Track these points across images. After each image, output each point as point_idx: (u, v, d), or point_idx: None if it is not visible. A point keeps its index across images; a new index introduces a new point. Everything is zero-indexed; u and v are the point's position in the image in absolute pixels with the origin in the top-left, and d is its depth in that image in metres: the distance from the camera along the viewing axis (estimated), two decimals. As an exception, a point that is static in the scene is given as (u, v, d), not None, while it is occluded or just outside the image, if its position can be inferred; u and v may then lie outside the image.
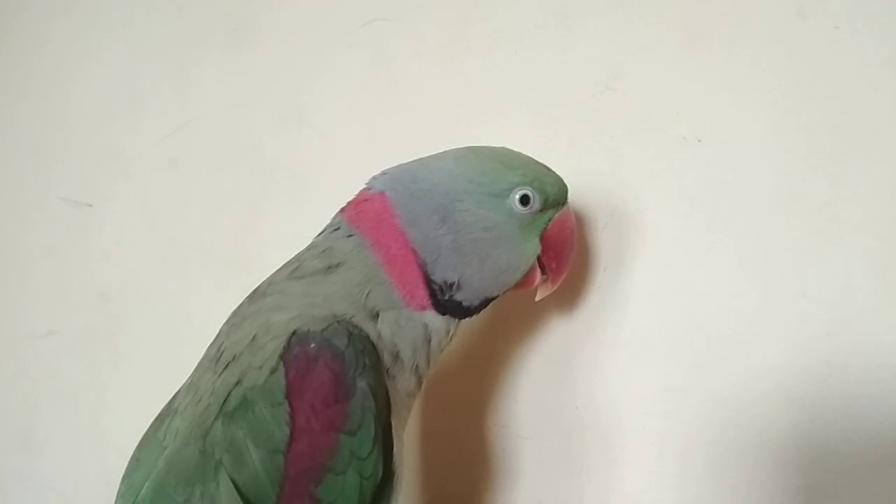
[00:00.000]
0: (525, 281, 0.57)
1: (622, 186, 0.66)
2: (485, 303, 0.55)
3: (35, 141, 1.07)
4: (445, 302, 0.53)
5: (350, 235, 0.53)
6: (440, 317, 0.53)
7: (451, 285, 0.52)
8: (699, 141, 0.63)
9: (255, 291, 0.54)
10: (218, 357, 0.50)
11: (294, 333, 0.47)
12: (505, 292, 0.56)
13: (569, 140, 0.69)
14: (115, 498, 0.51)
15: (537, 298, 0.60)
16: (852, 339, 0.57)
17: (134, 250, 0.97)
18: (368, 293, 0.51)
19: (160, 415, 0.55)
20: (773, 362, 0.60)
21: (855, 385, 0.57)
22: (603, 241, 0.67)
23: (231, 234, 0.89)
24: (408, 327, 0.52)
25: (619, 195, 0.66)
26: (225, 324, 0.54)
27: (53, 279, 1.04)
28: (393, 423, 0.50)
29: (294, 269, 0.53)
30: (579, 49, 0.69)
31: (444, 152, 0.56)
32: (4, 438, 1.05)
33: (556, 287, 0.59)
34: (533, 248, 0.55)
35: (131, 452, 0.53)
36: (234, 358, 0.49)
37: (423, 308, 0.53)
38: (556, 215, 0.56)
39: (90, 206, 1.01)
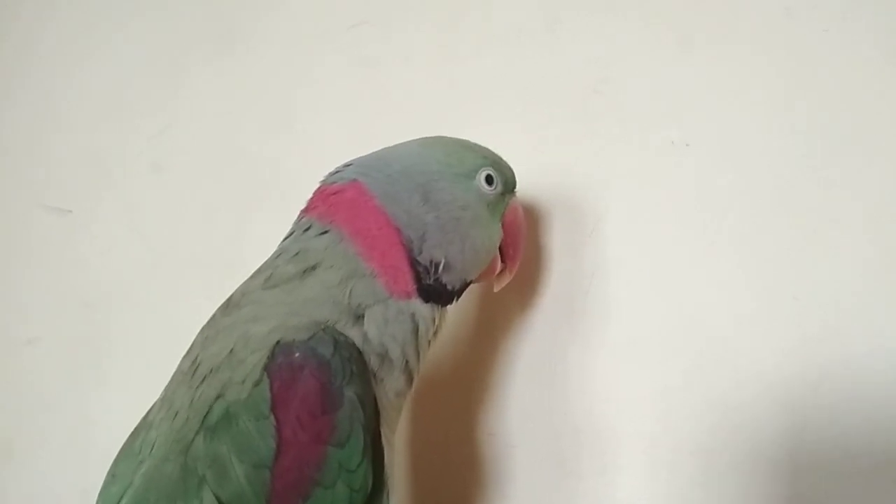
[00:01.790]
0: (489, 270, 0.57)
1: (610, 190, 0.66)
2: (463, 287, 0.55)
3: (15, 145, 1.06)
4: (429, 287, 0.52)
5: (324, 232, 0.51)
6: (425, 305, 0.52)
7: (437, 265, 0.52)
8: (687, 145, 0.63)
9: (227, 302, 0.52)
10: (194, 370, 0.49)
11: (278, 344, 0.46)
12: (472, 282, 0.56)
13: (557, 144, 0.68)
14: None
15: (496, 289, 0.60)
16: (846, 344, 0.57)
17: (118, 257, 0.95)
18: (350, 290, 0.49)
19: (136, 427, 0.53)
20: (765, 366, 0.59)
21: (847, 390, 0.57)
22: (591, 246, 0.66)
23: (217, 240, 0.88)
24: (395, 321, 0.50)
25: (607, 199, 0.66)
26: (199, 335, 0.52)
27: (35, 287, 1.02)
28: (383, 430, 0.49)
29: (268, 278, 0.51)
30: (568, 52, 0.69)
31: (403, 142, 0.57)
32: (-17, 448, 1.03)
33: (513, 274, 0.60)
34: (498, 231, 0.56)
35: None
36: (211, 371, 0.47)
37: (409, 295, 0.51)
38: (511, 201, 0.58)
39: (70, 211, 0.99)
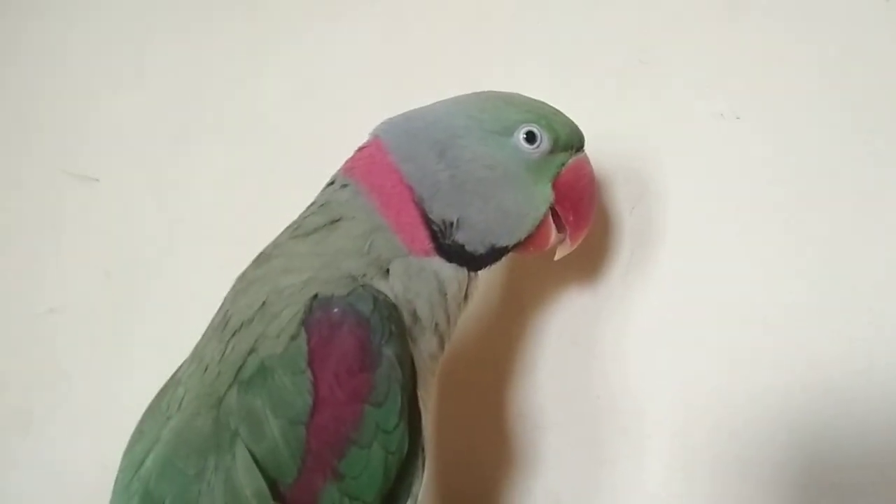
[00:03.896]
0: (538, 239, 0.53)
1: (653, 166, 0.64)
2: (493, 252, 0.51)
3: (40, 114, 1.06)
4: (449, 246, 0.50)
5: (345, 185, 0.51)
6: (449, 265, 0.50)
7: (451, 224, 0.49)
8: (737, 118, 0.61)
9: (260, 255, 0.51)
10: (224, 324, 0.48)
11: (315, 298, 0.45)
12: (518, 247, 0.52)
13: (596, 116, 0.65)
14: (116, 473, 0.49)
15: (556, 258, 0.56)
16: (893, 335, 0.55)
17: (139, 227, 0.95)
18: (371, 243, 0.48)
19: (164, 387, 0.52)
20: (810, 355, 0.57)
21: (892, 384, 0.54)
22: (631, 223, 0.64)
23: (240, 210, 0.87)
24: (419, 277, 0.49)
25: (649, 175, 0.64)
26: (230, 290, 0.51)
27: (56, 256, 1.02)
28: (419, 393, 0.48)
29: (296, 228, 0.50)
30: (609, 18, 0.67)
31: (448, 98, 0.54)
32: (2, 419, 1.02)
33: (576, 244, 0.55)
34: (544, 194, 0.51)
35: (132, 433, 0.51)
36: (242, 325, 0.46)
37: (427, 253, 0.50)
38: (571, 161, 0.53)
39: (97, 180, 0.98)
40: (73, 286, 0.99)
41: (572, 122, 0.54)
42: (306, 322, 0.44)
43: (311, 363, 0.43)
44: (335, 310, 0.44)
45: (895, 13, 0.57)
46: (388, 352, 0.44)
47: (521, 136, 0.50)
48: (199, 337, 0.52)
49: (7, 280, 1.05)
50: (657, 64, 0.65)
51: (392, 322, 0.45)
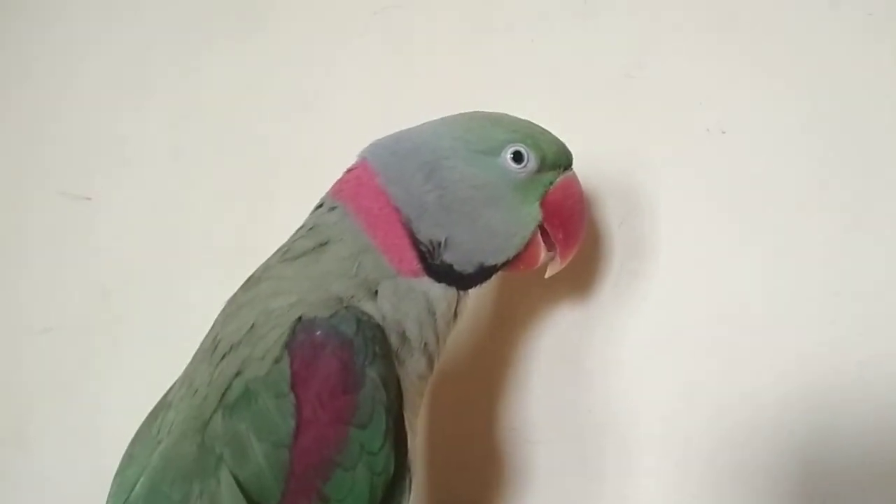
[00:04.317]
0: (528, 256, 0.53)
1: (642, 179, 0.64)
2: (482, 271, 0.51)
3: (32, 131, 1.06)
4: (437, 266, 0.50)
5: (333, 208, 0.51)
6: (438, 285, 0.50)
7: (439, 244, 0.49)
8: (723, 133, 0.61)
9: (249, 278, 0.52)
10: (214, 348, 0.48)
11: (299, 320, 0.45)
12: (507, 266, 0.52)
13: (587, 130, 0.65)
14: (107, 496, 0.49)
15: (547, 275, 0.56)
16: (887, 340, 0.55)
17: (135, 244, 0.95)
18: (359, 264, 0.49)
19: (154, 409, 0.52)
20: (801, 363, 0.57)
21: (887, 388, 0.55)
22: (621, 236, 0.65)
23: (236, 226, 0.87)
24: (407, 298, 0.49)
25: (638, 188, 0.64)
26: (220, 313, 0.51)
27: (51, 274, 1.01)
28: (405, 414, 0.47)
29: (285, 252, 0.51)
30: (600, 35, 0.67)
31: (433, 120, 0.54)
32: (-2, 436, 1.02)
33: (566, 262, 0.55)
34: (532, 213, 0.51)
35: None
36: (231, 348, 0.46)
37: (416, 273, 0.50)
38: (559, 179, 0.53)
39: (89, 199, 0.98)
40: (68, 305, 0.99)
41: (560, 142, 0.54)
42: (289, 344, 0.44)
43: (293, 386, 0.43)
44: (318, 332, 0.44)
45: (882, 29, 0.57)
46: (372, 373, 0.44)
47: (508, 155, 0.50)
48: (193, 353, 0.52)
49: (2, 298, 1.05)
50: (645, 79, 0.65)
51: (376, 343, 0.45)
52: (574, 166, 0.55)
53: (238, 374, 0.44)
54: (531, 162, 0.51)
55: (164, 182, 0.93)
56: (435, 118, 0.55)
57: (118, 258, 0.96)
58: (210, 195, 0.90)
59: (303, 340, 0.44)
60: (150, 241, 0.94)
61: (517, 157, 0.50)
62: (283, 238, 0.53)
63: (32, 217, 1.04)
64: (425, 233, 0.49)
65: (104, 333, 0.95)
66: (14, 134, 1.07)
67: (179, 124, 0.93)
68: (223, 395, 0.44)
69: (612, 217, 0.65)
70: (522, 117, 0.54)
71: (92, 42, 1.02)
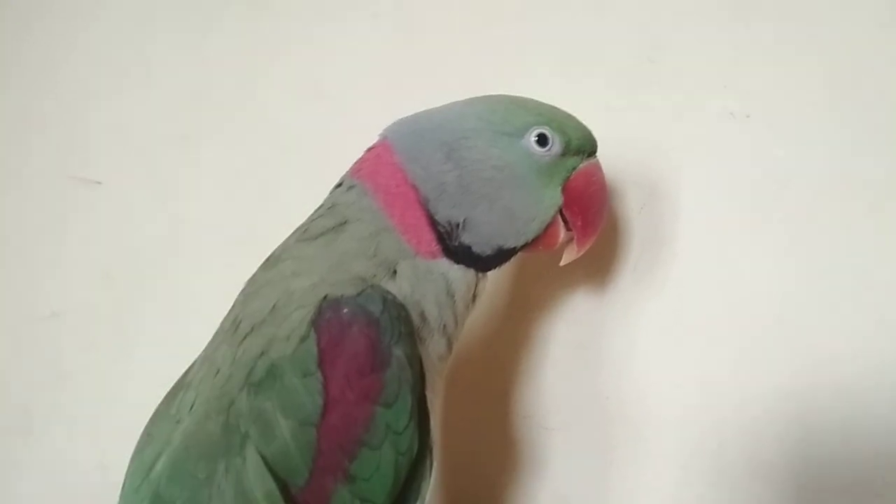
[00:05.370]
0: (547, 238, 0.52)
1: (663, 164, 0.63)
2: (501, 254, 0.51)
3: (42, 117, 1.05)
4: (456, 248, 0.49)
5: (352, 187, 0.51)
6: (456, 266, 0.50)
7: (457, 226, 0.49)
8: (748, 116, 0.61)
9: (269, 258, 0.51)
10: (235, 328, 0.48)
11: (325, 299, 0.44)
12: (525, 248, 0.52)
13: (606, 114, 0.64)
14: (123, 476, 0.48)
15: (562, 263, 0.55)
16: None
17: (142, 229, 0.94)
18: (378, 244, 0.48)
19: (173, 389, 0.52)
20: (823, 355, 0.57)
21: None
22: (640, 221, 0.64)
23: (243, 212, 0.86)
24: (426, 279, 0.49)
25: (659, 173, 0.63)
26: (240, 293, 0.51)
27: (58, 259, 1.01)
28: (427, 394, 0.47)
29: (304, 231, 0.50)
30: (619, 16, 0.67)
31: (458, 101, 0.53)
32: (3, 421, 1.02)
33: (583, 250, 0.54)
34: (553, 197, 0.51)
35: (133, 439, 0.51)
36: (252, 328, 0.46)
37: (434, 255, 0.49)
38: (583, 165, 0.53)
39: (99, 183, 0.98)
40: (75, 289, 0.98)
41: (585, 128, 0.53)
42: (316, 323, 0.43)
43: (321, 364, 0.42)
44: (345, 310, 0.44)
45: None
46: (398, 352, 0.44)
47: (533, 138, 0.50)
48: (200, 339, 0.52)
49: (9, 283, 1.05)
50: (666, 63, 0.64)
51: (402, 322, 0.45)
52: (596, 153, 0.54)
53: (263, 353, 0.44)
54: (555, 146, 0.50)
55: (172, 167, 0.93)
56: (448, 101, 0.54)
57: (125, 244, 0.95)
58: (217, 181, 0.89)
59: (330, 318, 0.44)
60: (157, 226, 0.93)
61: (541, 139, 0.50)
62: (290, 224, 0.52)
63: (40, 201, 1.03)
64: (443, 213, 0.49)
65: (110, 319, 0.95)
66: (21, 118, 1.07)
67: (188, 110, 0.92)
68: (248, 374, 0.43)
69: (632, 203, 0.64)
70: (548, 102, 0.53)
71: (101, 26, 1.01)
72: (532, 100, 0.53)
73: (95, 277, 0.96)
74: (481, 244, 0.50)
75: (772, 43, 0.60)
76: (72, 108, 1.02)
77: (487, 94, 0.54)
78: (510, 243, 0.51)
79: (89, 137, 1.00)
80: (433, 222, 0.49)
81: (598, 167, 0.54)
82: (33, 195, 1.04)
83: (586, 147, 0.53)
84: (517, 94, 0.54)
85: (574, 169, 0.52)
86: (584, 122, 0.54)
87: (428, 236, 0.49)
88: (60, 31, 1.06)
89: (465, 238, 0.49)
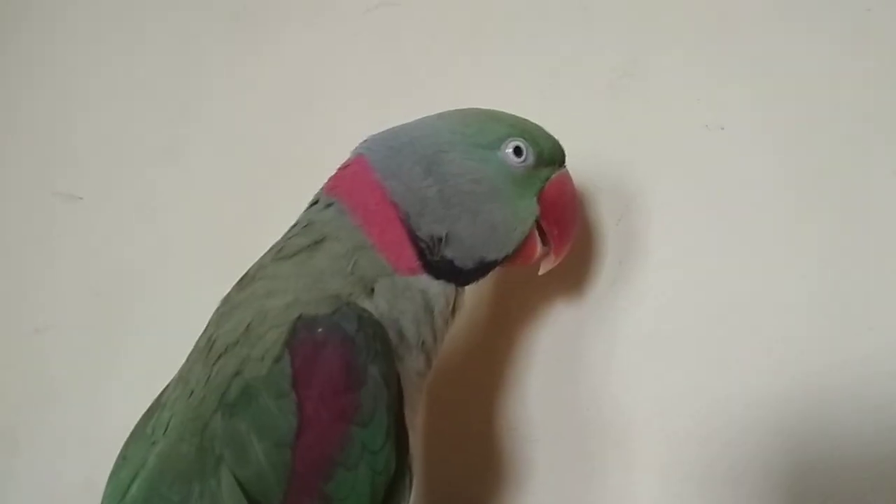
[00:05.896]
0: (525, 252, 0.53)
1: (640, 176, 0.64)
2: (482, 267, 0.51)
3: (27, 132, 1.05)
4: (437, 263, 0.49)
5: (329, 205, 0.50)
6: (436, 282, 0.50)
7: (440, 240, 0.49)
8: (722, 129, 0.61)
9: (244, 277, 0.51)
10: (209, 348, 0.47)
11: (299, 318, 0.44)
12: (505, 262, 0.52)
13: (586, 128, 0.66)
14: (101, 498, 0.48)
15: (541, 272, 0.56)
16: (882, 337, 0.54)
17: (129, 244, 0.94)
18: (355, 262, 0.48)
19: (148, 410, 0.52)
20: (802, 362, 0.57)
21: (884, 386, 0.54)
22: (618, 233, 0.64)
23: (230, 226, 0.86)
24: (404, 296, 0.49)
25: (636, 185, 0.64)
26: (214, 313, 0.51)
27: (44, 275, 1.01)
28: (406, 412, 0.47)
29: (280, 250, 0.50)
30: (597, 32, 0.67)
31: (430, 115, 0.54)
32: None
33: (560, 258, 0.55)
34: (530, 208, 0.52)
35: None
36: (226, 348, 0.46)
37: (414, 271, 0.49)
38: (555, 176, 0.53)
39: (81, 198, 0.98)
40: (60, 305, 0.98)
41: (554, 138, 0.54)
42: (290, 343, 0.43)
43: (295, 385, 0.42)
44: (319, 329, 0.44)
45: (880, 24, 0.57)
46: (374, 371, 0.43)
47: (508, 150, 0.50)
48: (186, 356, 0.51)
49: (-5, 299, 1.05)
50: (643, 77, 0.65)
51: (378, 340, 0.45)
52: (572, 164, 0.55)
53: (237, 374, 0.44)
54: (529, 157, 0.51)
55: (158, 182, 0.93)
56: (430, 113, 0.54)
57: (111, 259, 0.95)
58: (204, 195, 0.89)
59: (304, 338, 0.43)
60: (144, 241, 0.93)
61: (517, 151, 0.51)
62: (274, 235, 0.52)
63: (25, 217, 1.03)
64: (426, 228, 0.49)
65: (96, 335, 0.95)
66: (6, 134, 1.07)
67: (173, 124, 0.92)
68: (222, 395, 0.43)
69: (610, 215, 0.64)
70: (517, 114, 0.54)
71: (86, 42, 1.02)
72: (503, 112, 0.54)
73: (81, 293, 0.96)
74: (463, 258, 0.50)
75: (747, 57, 0.61)
76: (53, 124, 1.02)
77: (460, 106, 0.54)
78: (492, 255, 0.51)
79: (71, 152, 1.00)
80: (414, 238, 0.49)
81: (568, 176, 0.55)
82: (17, 211, 1.04)
83: (557, 157, 0.54)
84: (488, 107, 0.54)
85: (547, 179, 0.53)
86: (558, 135, 0.54)
87: (408, 252, 0.49)
88: (40, 46, 1.06)
89: (448, 252, 0.49)
